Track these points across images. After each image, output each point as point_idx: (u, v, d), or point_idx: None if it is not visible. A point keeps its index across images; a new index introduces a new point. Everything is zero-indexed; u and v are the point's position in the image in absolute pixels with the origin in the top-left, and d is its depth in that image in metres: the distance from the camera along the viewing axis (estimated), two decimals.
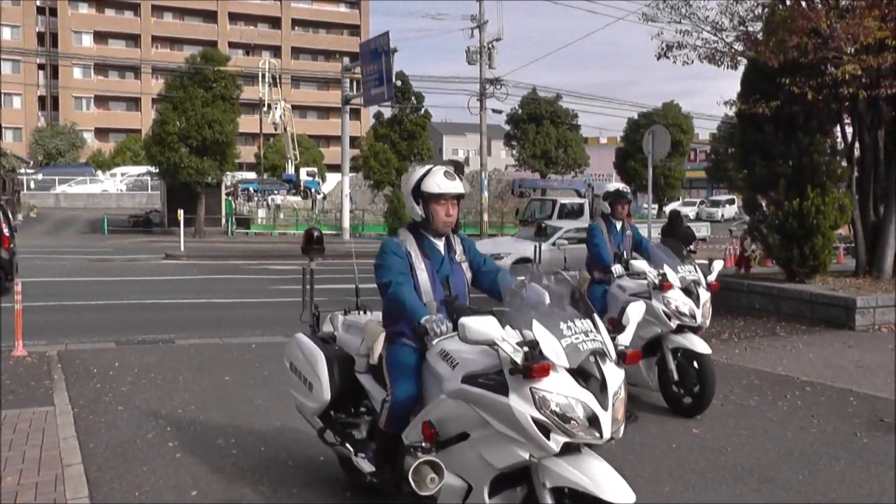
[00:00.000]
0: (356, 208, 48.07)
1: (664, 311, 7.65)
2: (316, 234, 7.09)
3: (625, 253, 8.78)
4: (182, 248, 28.96)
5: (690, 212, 56.20)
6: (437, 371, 4.37)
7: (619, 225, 8.97)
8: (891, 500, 5.74)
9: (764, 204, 15.44)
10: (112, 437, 6.83)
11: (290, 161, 63.33)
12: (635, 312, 4.50)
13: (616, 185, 9.40)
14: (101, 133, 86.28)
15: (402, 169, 43.94)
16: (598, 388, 3.81)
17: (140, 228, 40.70)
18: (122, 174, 66.59)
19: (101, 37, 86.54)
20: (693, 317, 7.71)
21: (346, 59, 55.36)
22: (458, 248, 4.97)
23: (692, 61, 15.78)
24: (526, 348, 3.76)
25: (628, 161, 56.00)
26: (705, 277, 8.07)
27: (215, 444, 6.69)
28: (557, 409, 3.69)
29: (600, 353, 3.90)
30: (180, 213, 30.94)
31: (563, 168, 57.40)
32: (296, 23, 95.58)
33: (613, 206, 8.92)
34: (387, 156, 42.60)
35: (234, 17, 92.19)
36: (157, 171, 39.62)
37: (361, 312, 5.71)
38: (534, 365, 3.68)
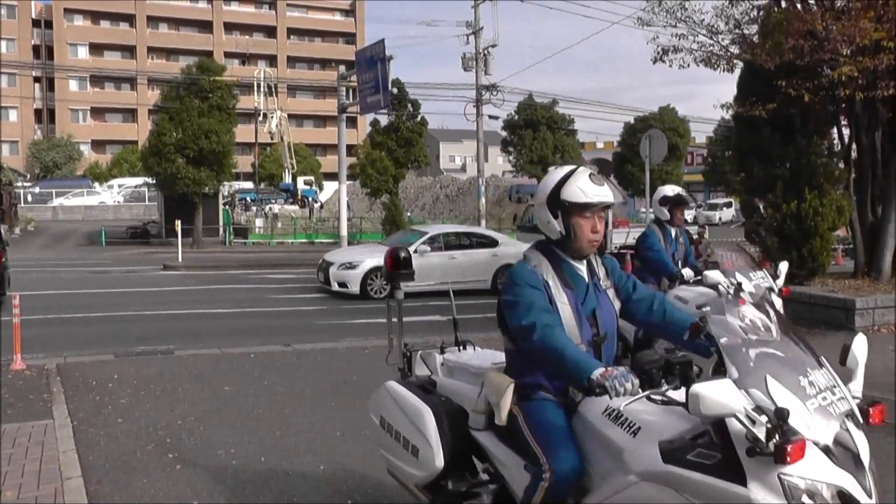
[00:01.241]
0: (354, 216, 48.06)
1: (740, 326, 6.80)
2: (403, 254, 5.65)
3: (679, 263, 8.34)
4: (180, 259, 28.94)
5: (688, 215, 56.14)
6: (608, 437, 3.35)
7: (673, 232, 8.54)
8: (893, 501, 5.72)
9: (761, 206, 15.45)
10: (111, 449, 6.81)
11: (287, 170, 63.34)
12: (861, 348, 3.41)
13: (674, 188, 8.72)
14: (98, 145, 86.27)
15: (398, 176, 43.93)
16: (853, 463, 2.89)
17: (138, 240, 40.62)
18: (120, 186, 66.57)
19: (96, 48, 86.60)
20: (769, 329, 7.11)
21: (342, 68, 55.36)
22: (601, 272, 3.90)
23: (688, 65, 15.79)
24: (764, 417, 2.79)
25: (626, 165, 56.05)
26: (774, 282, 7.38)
27: (215, 454, 6.66)
28: (809, 501, 2.77)
29: (849, 416, 2.97)
30: (178, 223, 30.90)
31: None
32: (291, 32, 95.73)
33: (673, 212, 8.43)
34: (384, 163, 42.63)
35: (229, 27, 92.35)
36: (154, 182, 39.61)
37: (461, 349, 4.78)
38: (789, 446, 2.69)
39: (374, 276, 19.03)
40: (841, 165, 15.33)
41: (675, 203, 8.45)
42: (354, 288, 18.82)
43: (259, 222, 47.00)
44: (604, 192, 3.65)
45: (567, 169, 3.77)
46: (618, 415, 3.33)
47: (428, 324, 15.20)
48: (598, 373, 3.16)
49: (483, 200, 43.60)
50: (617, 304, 3.87)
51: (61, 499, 5.59)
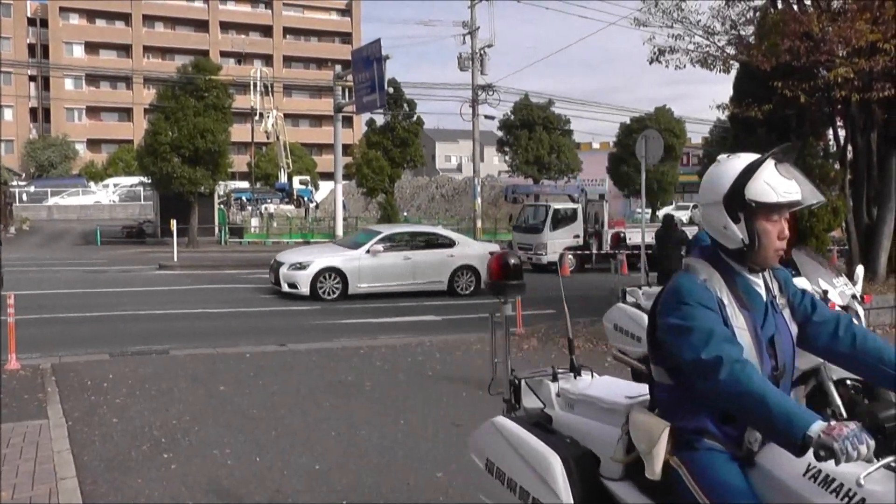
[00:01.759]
0: (349, 216, 48.02)
1: None
2: (512, 261, 4.60)
3: None
4: (175, 259, 28.88)
5: (684, 216, 56.29)
6: None
7: None
8: None
9: None
10: (106, 449, 6.79)
11: (282, 170, 63.28)
12: None
13: None
14: (93, 144, 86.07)
15: (394, 176, 43.91)
16: None
17: (133, 239, 40.48)
18: (115, 185, 66.38)
19: (92, 47, 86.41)
20: None
21: (338, 67, 55.38)
22: (775, 287, 3.10)
23: (684, 65, 15.81)
24: None
25: (621, 166, 55.98)
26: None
27: (211, 454, 6.65)
28: None
29: None
30: (173, 223, 30.83)
31: (556, 173, 57.45)
32: (287, 31, 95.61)
33: None
34: (380, 163, 42.56)
35: (225, 26, 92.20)
36: (150, 181, 39.50)
37: (576, 375, 3.99)
38: None
39: (325, 277, 18.68)
40: (836, 167, 15.38)
41: None
42: (304, 289, 18.46)
43: (255, 222, 46.90)
44: (794, 189, 2.89)
45: (746, 158, 2.95)
46: (825, 478, 2.56)
47: (424, 324, 15.23)
48: (818, 429, 2.43)
49: (479, 200, 43.62)
50: (794, 329, 3.07)
51: (56, 499, 5.57)
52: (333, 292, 18.63)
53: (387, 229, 21.28)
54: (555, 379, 3.92)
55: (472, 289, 19.86)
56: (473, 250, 20.50)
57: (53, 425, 7.39)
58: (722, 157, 3.04)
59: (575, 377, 3.94)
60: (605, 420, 3.46)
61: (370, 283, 18.99)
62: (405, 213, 51.34)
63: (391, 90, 41.27)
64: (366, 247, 19.34)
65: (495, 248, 21.36)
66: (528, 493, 3.39)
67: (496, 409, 4.08)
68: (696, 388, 2.80)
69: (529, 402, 3.99)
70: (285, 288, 18.72)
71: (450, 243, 20.47)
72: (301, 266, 18.80)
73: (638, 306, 8.12)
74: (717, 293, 2.89)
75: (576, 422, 3.63)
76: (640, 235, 19.29)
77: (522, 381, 4.01)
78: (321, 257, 19.28)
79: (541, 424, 3.71)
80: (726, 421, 2.88)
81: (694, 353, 2.75)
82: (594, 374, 3.97)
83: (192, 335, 13.46)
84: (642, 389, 3.43)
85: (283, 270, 18.95)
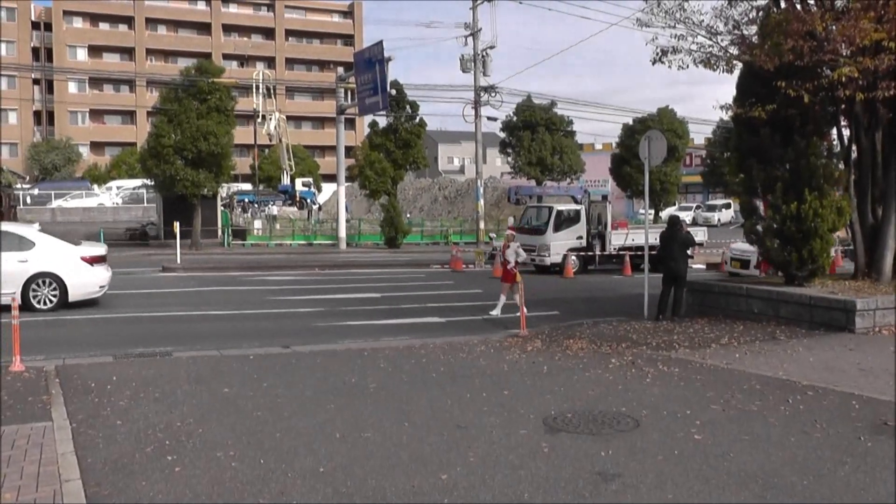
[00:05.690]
0: (352, 218, 48.03)
1: None
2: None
3: None
4: (178, 261, 28.89)
5: (687, 216, 56.28)
6: None
7: None
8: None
9: (761, 208, 15.44)
10: (110, 451, 6.78)
11: (285, 172, 63.35)
12: None
13: None
14: (97, 147, 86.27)
15: (397, 178, 43.95)
16: None
17: (136, 241, 40.52)
18: (118, 188, 66.43)
19: (95, 50, 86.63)
20: None
21: (341, 69, 55.31)
22: None
23: (687, 66, 15.77)
24: None
25: (624, 167, 56.13)
26: None
27: (214, 456, 6.63)
28: None
29: None
30: (176, 225, 30.84)
31: (559, 175, 57.46)
32: (289, 33, 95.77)
33: None
34: (382, 165, 42.58)
35: (227, 29, 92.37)
36: (153, 183, 39.53)
37: None
38: None
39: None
40: (841, 166, 15.31)
41: None
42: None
43: (257, 224, 46.93)
44: None
45: None
46: None
47: (427, 325, 15.21)
48: None
49: (482, 202, 43.69)
50: None
51: (60, 500, 5.56)
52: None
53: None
54: None
55: (54, 302, 16.32)
56: (59, 254, 16.64)
57: (57, 427, 7.39)
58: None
59: None
60: None
61: None
62: (408, 215, 51.34)
63: (393, 92, 41.30)
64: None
65: (98, 250, 18.10)
66: None
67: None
68: None
69: None
70: None
71: (22, 245, 16.26)
72: None
73: None
74: None
75: None
76: (643, 236, 19.22)
77: None
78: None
79: None
80: None
81: None
82: None
83: (195, 337, 13.45)
84: None
85: None
